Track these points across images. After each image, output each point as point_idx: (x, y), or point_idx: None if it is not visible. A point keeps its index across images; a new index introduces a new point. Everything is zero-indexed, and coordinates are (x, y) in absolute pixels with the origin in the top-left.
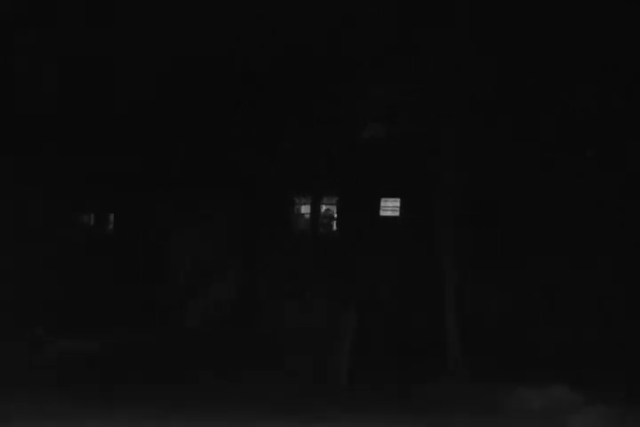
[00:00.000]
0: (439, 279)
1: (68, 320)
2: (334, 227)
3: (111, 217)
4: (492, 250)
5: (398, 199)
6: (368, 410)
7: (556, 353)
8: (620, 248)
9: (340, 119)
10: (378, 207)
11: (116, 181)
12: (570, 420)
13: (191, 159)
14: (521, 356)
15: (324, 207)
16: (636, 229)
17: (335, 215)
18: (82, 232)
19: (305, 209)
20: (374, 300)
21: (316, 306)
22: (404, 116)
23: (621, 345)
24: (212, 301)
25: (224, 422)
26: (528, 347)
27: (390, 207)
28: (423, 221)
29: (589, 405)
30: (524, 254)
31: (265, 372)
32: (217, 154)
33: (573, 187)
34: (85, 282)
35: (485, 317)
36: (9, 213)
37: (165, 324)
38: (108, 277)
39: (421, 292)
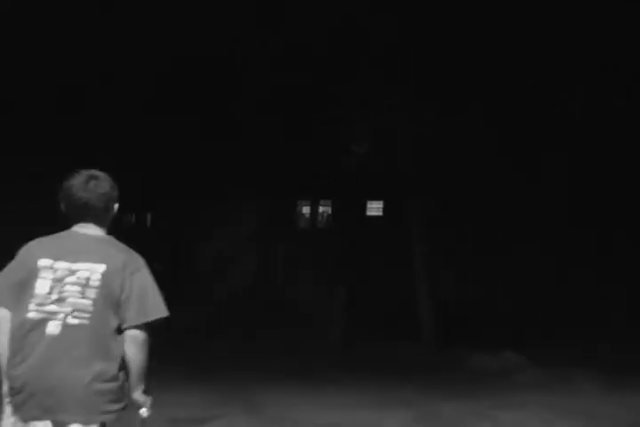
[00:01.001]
0: (413, 264)
1: None
2: (329, 224)
3: (148, 216)
4: (454, 240)
5: (381, 201)
6: (362, 371)
7: (507, 325)
8: (563, 237)
9: (332, 142)
10: (365, 208)
11: (153, 188)
12: (516, 378)
13: (212, 174)
14: (479, 328)
15: (321, 208)
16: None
17: (330, 215)
18: (127, 227)
19: (305, 210)
20: (362, 281)
21: (316, 285)
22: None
23: (562, 320)
24: (233, 280)
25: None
26: (485, 320)
27: (375, 208)
28: (401, 218)
29: (532, 366)
30: (478, 244)
31: (276, 332)
32: (234, 172)
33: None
34: None
35: (451, 295)
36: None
37: (198, 297)
38: (148, 262)
39: (400, 275)
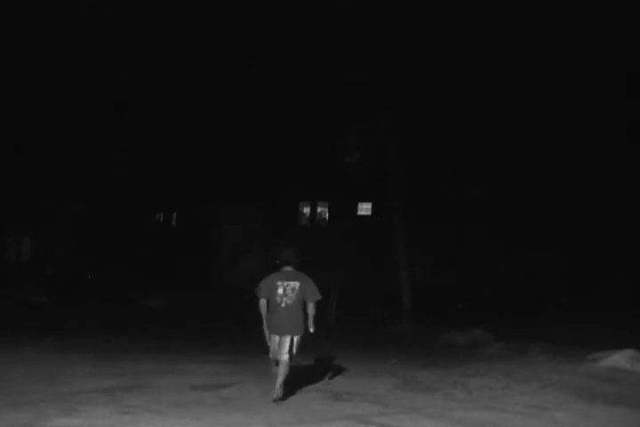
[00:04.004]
0: (397, 255)
1: (150, 285)
2: (326, 222)
3: (174, 215)
4: (430, 235)
5: (370, 203)
6: (353, 343)
7: (476, 307)
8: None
9: (326, 157)
10: (356, 209)
11: (179, 193)
12: (482, 350)
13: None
14: (452, 309)
15: (319, 209)
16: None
17: (327, 214)
18: (156, 223)
19: (306, 210)
20: (354, 270)
21: (315, 271)
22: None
23: (524, 302)
24: (245, 269)
25: (250, 351)
26: (457, 302)
27: (365, 209)
28: (386, 217)
29: (497, 341)
30: (450, 240)
31: None
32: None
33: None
34: (158, 258)
35: (427, 281)
36: (116, 208)
37: (215, 284)
38: (174, 255)
39: (385, 264)
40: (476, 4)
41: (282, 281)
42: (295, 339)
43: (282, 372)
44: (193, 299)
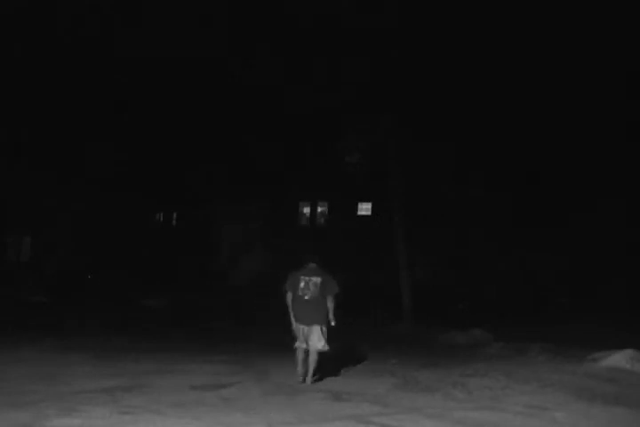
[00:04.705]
0: (397, 256)
1: (150, 285)
2: (326, 222)
3: (174, 215)
4: (430, 235)
5: (370, 203)
6: (353, 343)
7: (476, 307)
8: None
9: (326, 157)
10: (356, 209)
11: (179, 193)
12: (482, 350)
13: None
14: (452, 309)
15: (319, 209)
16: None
17: (326, 214)
18: (156, 223)
19: (306, 210)
20: (354, 270)
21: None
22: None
23: (524, 302)
24: (245, 269)
25: (251, 350)
26: (457, 302)
27: (365, 209)
28: (386, 217)
29: (497, 341)
30: (450, 240)
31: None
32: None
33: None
34: (158, 258)
35: (427, 281)
36: (116, 208)
37: (215, 284)
38: (174, 255)
39: (385, 264)
40: (476, 4)
41: (304, 276)
42: (323, 328)
43: (312, 360)
44: (193, 299)
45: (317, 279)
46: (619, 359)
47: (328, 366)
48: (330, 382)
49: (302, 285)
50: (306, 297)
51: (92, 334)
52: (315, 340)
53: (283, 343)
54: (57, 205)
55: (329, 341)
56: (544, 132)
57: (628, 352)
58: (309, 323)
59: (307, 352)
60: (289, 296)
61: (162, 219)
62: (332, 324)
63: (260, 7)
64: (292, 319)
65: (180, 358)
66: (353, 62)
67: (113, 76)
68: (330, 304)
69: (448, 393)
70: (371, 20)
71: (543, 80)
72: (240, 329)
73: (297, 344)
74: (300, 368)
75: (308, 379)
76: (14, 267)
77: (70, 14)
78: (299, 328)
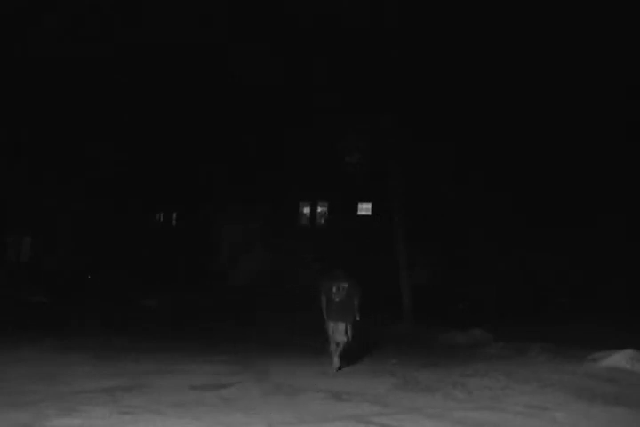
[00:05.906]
0: (397, 256)
1: (150, 285)
2: (326, 222)
3: (174, 215)
4: (430, 235)
5: (370, 203)
6: (353, 343)
7: (476, 307)
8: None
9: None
10: (356, 209)
11: (179, 193)
12: (482, 351)
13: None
14: (452, 309)
15: (319, 209)
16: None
17: (326, 214)
18: (156, 223)
19: (306, 210)
20: (354, 270)
21: (314, 271)
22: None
23: (524, 302)
24: (245, 269)
25: (251, 350)
26: (457, 302)
27: (365, 209)
28: (386, 217)
29: (497, 341)
30: (450, 242)
31: (277, 314)
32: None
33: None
34: (158, 258)
35: (427, 281)
36: (116, 208)
37: (215, 284)
38: (174, 255)
39: (386, 264)
40: (476, 4)
41: (336, 282)
42: (348, 325)
43: (340, 349)
44: (193, 299)
45: (345, 284)
46: (619, 359)
47: (328, 365)
48: (330, 382)
49: (335, 290)
50: (337, 299)
51: (92, 334)
52: (340, 334)
53: (283, 343)
54: (57, 205)
55: (353, 335)
56: (544, 131)
57: (628, 352)
58: (338, 320)
59: (337, 344)
60: (324, 300)
61: (162, 219)
62: (357, 319)
63: (260, 7)
64: (326, 317)
65: (179, 358)
66: (353, 62)
67: (113, 76)
68: (355, 303)
69: (448, 393)
70: (371, 20)
71: (543, 80)
72: (240, 329)
73: (330, 338)
74: (335, 358)
75: (335, 364)
76: (14, 267)
77: (70, 14)
78: (329, 325)
